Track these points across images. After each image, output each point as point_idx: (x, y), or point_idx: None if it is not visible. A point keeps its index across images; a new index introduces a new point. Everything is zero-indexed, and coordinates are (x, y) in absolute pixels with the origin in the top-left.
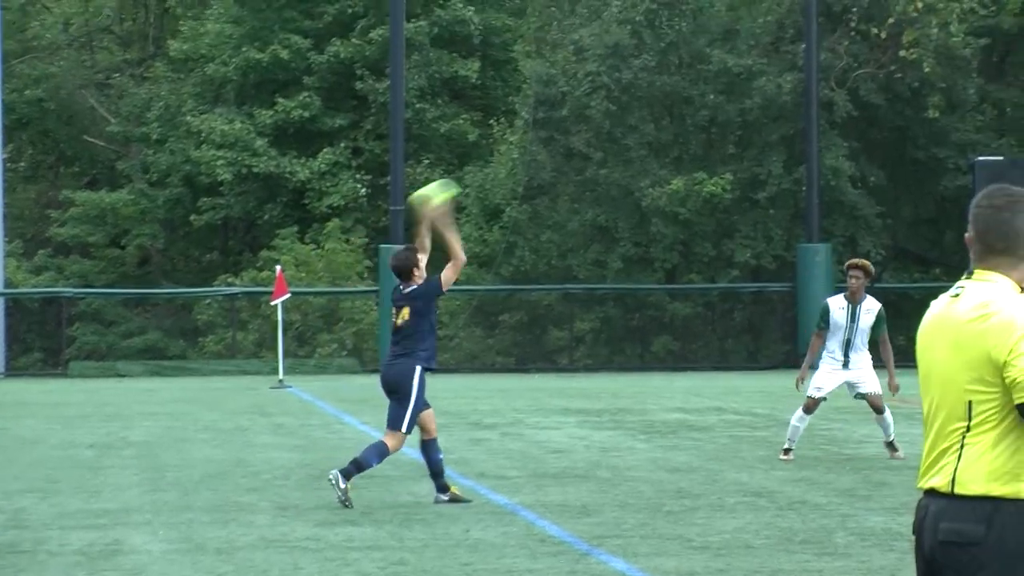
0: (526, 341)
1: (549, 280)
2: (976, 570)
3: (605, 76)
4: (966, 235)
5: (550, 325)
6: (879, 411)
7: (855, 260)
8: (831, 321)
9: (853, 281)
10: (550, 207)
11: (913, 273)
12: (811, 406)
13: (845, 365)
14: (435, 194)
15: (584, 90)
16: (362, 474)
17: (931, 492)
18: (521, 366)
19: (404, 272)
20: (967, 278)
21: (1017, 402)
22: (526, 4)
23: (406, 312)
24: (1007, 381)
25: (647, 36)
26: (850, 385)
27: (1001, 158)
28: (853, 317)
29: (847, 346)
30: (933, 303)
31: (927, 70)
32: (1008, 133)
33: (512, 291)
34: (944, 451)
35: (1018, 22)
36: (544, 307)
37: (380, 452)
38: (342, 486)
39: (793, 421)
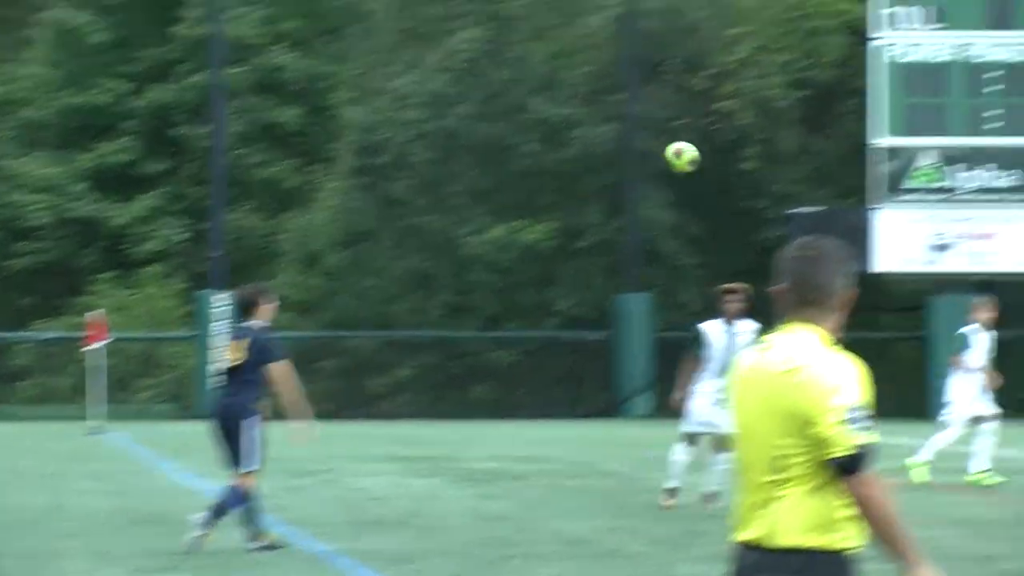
0: (346, 388)
1: (370, 327)
2: None
3: (427, 123)
4: (775, 287)
5: (371, 372)
6: (723, 450)
7: (730, 285)
8: (708, 344)
9: (731, 305)
10: (371, 253)
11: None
12: (693, 438)
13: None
14: (684, 156)
15: (406, 137)
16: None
17: (746, 543)
18: (341, 413)
19: (245, 306)
20: (778, 330)
21: (826, 457)
22: (347, 51)
23: (242, 349)
24: (816, 437)
25: (468, 84)
26: None
27: (816, 209)
28: (730, 339)
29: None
30: (744, 354)
31: (746, 122)
32: (827, 184)
33: (333, 338)
34: (758, 503)
35: (836, 74)
36: (365, 354)
37: (237, 495)
38: (197, 533)
39: (676, 457)
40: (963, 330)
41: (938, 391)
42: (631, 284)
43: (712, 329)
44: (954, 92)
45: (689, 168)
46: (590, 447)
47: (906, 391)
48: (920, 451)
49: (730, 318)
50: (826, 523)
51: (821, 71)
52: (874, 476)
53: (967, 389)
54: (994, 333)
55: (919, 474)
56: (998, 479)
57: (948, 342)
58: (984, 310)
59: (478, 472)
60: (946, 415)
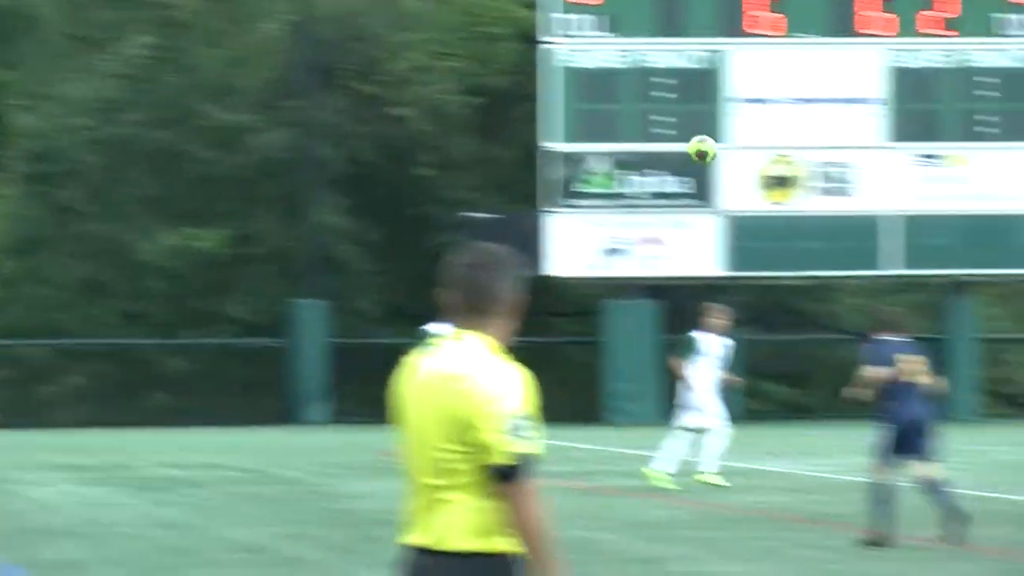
0: (17, 396)
1: (42, 335)
2: None
3: (99, 130)
4: (442, 293)
5: (42, 380)
6: None
7: None
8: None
9: None
10: (43, 261)
11: (409, 329)
12: None
13: None
14: (708, 141)
15: (77, 144)
16: None
17: (416, 547)
18: (11, 422)
19: None
20: (446, 336)
21: (486, 463)
22: (17, 56)
23: None
24: (477, 443)
25: (141, 91)
26: None
27: (488, 215)
28: None
29: None
30: (411, 359)
31: (421, 128)
32: (502, 190)
33: (3, 346)
34: (425, 507)
35: (510, 80)
36: (36, 362)
37: None
38: None
39: None
40: (693, 334)
41: (612, 395)
42: (307, 291)
43: (438, 327)
44: (626, 98)
45: (715, 152)
46: (266, 454)
47: (580, 395)
48: (701, 463)
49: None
50: (493, 527)
51: (495, 77)
52: (531, 486)
53: (704, 394)
54: (729, 340)
55: (714, 480)
56: (673, 485)
57: (621, 346)
58: (717, 315)
59: (153, 480)
60: (710, 424)
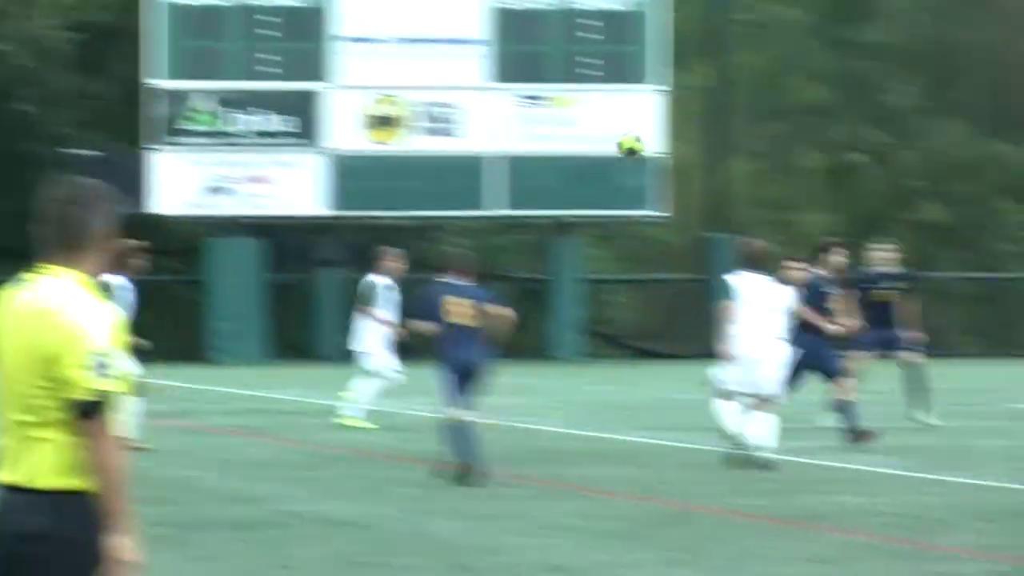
0: None
1: None
2: (47, 562)
3: None
4: (36, 229)
5: None
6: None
7: (136, 243)
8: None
9: (135, 262)
10: None
11: (8, 267)
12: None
13: None
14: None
15: None
16: None
17: (5, 485)
18: None
19: None
20: (37, 271)
21: (69, 398)
22: None
23: None
24: (61, 379)
25: None
26: None
27: (90, 152)
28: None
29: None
30: (3, 294)
31: (20, 63)
32: (105, 126)
33: None
34: (16, 444)
35: (114, 16)
36: None
37: None
38: None
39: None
40: (372, 279)
41: (215, 334)
42: None
43: (116, 281)
44: (231, 36)
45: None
46: None
47: (183, 334)
48: (347, 406)
49: (132, 273)
50: (79, 465)
51: (99, 12)
52: (110, 424)
53: (378, 338)
54: (395, 285)
55: (356, 423)
56: (369, 424)
57: (224, 284)
58: (392, 259)
59: None
60: (367, 365)
